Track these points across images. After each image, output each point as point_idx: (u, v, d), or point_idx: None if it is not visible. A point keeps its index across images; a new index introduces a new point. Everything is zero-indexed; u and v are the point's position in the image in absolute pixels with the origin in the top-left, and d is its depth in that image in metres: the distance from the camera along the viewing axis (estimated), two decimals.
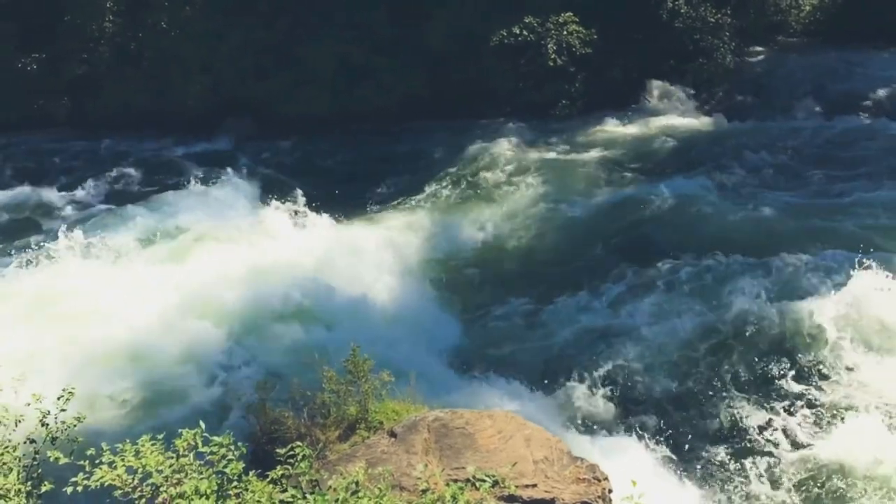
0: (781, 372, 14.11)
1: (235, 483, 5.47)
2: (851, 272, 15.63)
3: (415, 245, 19.55)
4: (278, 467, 5.83)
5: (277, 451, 6.07)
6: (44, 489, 5.70)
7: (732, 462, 12.27)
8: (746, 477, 11.96)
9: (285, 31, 28.52)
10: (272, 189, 22.79)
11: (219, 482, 5.41)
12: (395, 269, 18.26)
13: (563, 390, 13.87)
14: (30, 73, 29.02)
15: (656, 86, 29.26)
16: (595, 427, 12.97)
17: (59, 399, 6.02)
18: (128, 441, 5.66)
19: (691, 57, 29.68)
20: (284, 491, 5.59)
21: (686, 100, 28.93)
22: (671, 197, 20.90)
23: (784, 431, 12.81)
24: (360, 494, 5.58)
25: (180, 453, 5.58)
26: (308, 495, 5.48)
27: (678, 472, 11.92)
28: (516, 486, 7.29)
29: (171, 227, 19.99)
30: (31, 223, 22.36)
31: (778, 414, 13.19)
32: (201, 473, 5.47)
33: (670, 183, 21.80)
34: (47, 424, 5.83)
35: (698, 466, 12.21)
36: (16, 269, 18.06)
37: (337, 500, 5.46)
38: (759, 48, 34.00)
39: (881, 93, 28.51)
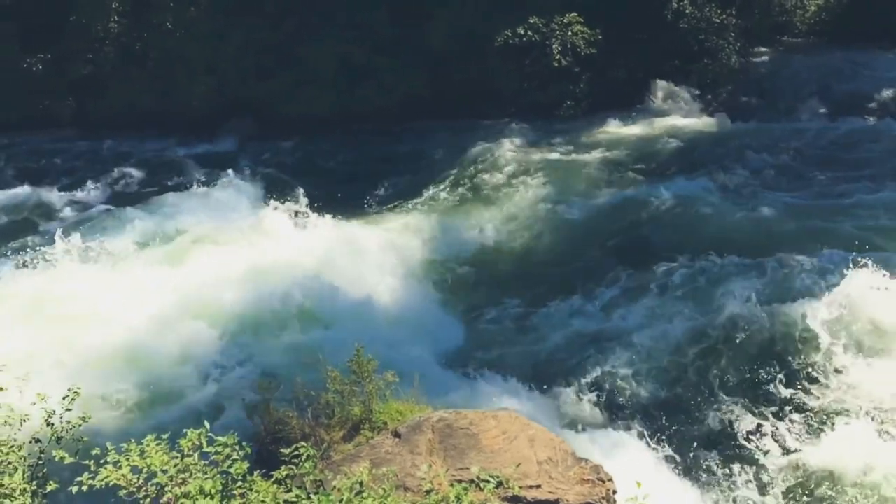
0: (771, 376, 13.94)
1: (240, 483, 5.47)
2: (847, 273, 15.53)
3: (416, 246, 19.56)
4: (283, 467, 5.83)
5: (282, 451, 6.07)
6: (49, 489, 5.71)
7: (721, 468, 12.11)
8: (735, 483, 11.82)
9: (287, 32, 28.57)
10: (274, 189, 22.80)
11: (223, 482, 5.41)
12: (397, 269, 18.26)
13: (563, 391, 13.84)
14: (35, 73, 29.09)
15: (661, 86, 29.23)
16: (594, 428, 12.89)
17: (64, 399, 6.03)
18: (133, 441, 5.67)
19: (696, 57, 29.65)
20: (289, 491, 5.59)
21: (691, 100, 28.89)
22: (672, 198, 20.87)
23: (774, 437, 12.64)
24: (365, 495, 5.57)
25: (185, 453, 5.58)
26: (312, 495, 5.48)
27: (667, 477, 11.77)
28: (520, 487, 7.29)
29: (171, 229, 19.97)
30: (30, 224, 22.31)
31: (768, 419, 13.02)
32: (206, 473, 5.48)
33: (671, 184, 21.78)
34: (52, 424, 5.85)
35: (686, 472, 12.02)
36: (14, 271, 18.09)
37: (341, 501, 5.46)
38: (764, 49, 33.95)
39: (886, 94, 28.44)
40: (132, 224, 20.44)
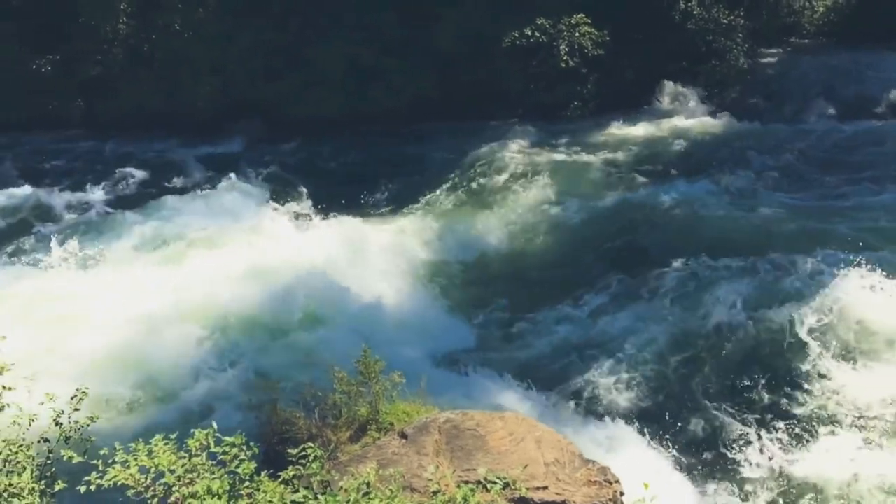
0: (755, 384, 13.67)
1: (247, 483, 5.48)
2: (840, 274, 15.45)
3: (420, 247, 19.59)
4: (290, 468, 5.84)
5: (289, 451, 6.08)
6: (57, 488, 5.73)
7: (706, 476, 11.87)
8: (718, 492, 11.60)
9: (295, 33, 28.61)
10: (281, 191, 22.86)
11: (231, 482, 5.42)
12: (401, 271, 18.32)
13: (567, 393, 13.79)
14: (44, 74, 29.23)
15: (668, 87, 29.21)
16: (597, 432, 12.77)
17: (72, 399, 6.05)
18: (140, 441, 5.68)
19: (704, 58, 29.60)
20: (296, 491, 5.60)
21: (698, 101, 28.85)
22: (673, 200, 20.84)
23: (758, 445, 12.38)
24: (372, 496, 5.57)
25: (193, 453, 5.59)
26: (319, 496, 5.48)
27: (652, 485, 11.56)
28: (527, 489, 7.28)
29: (171, 231, 19.97)
30: (28, 225, 22.27)
31: (751, 427, 12.75)
32: (213, 473, 5.48)
33: (673, 186, 21.76)
34: (61, 424, 5.86)
35: (670, 481, 11.70)
36: (11, 272, 18.11)
37: (348, 502, 5.46)
38: (772, 50, 33.87)
39: (894, 95, 28.33)
40: (134, 225, 20.49)
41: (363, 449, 9.30)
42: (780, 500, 11.45)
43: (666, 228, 19.67)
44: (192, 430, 5.71)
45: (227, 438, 5.64)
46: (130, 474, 5.43)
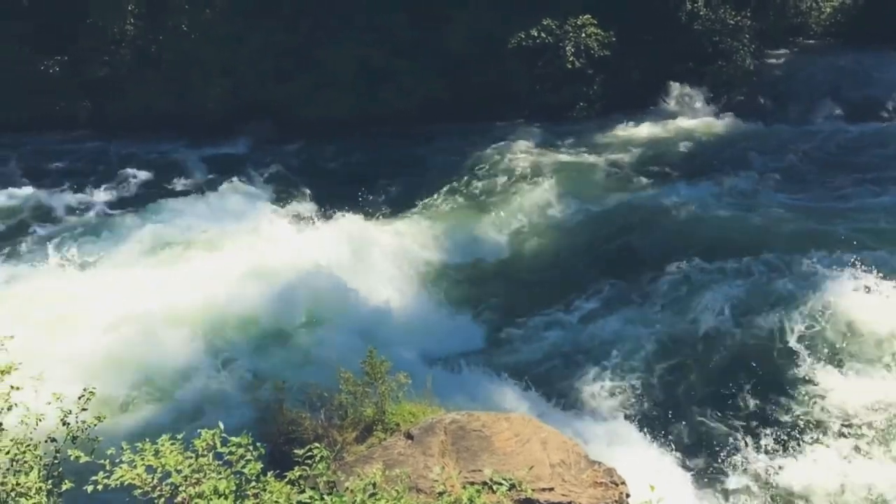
0: (744, 390, 13.40)
1: (254, 483, 5.49)
2: (835, 276, 15.34)
3: (422, 249, 19.57)
4: (296, 468, 5.85)
5: (295, 451, 6.08)
6: (64, 487, 5.74)
7: (692, 482, 11.64)
8: (704, 499, 11.41)
9: (306, 34, 28.65)
10: (286, 192, 22.85)
11: (237, 482, 5.43)
12: (402, 272, 18.32)
13: (569, 394, 13.73)
14: (51, 74, 29.32)
15: (675, 88, 29.16)
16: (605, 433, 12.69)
17: (79, 399, 6.07)
18: (147, 440, 5.70)
19: (710, 59, 29.55)
20: (302, 492, 5.60)
21: (704, 102, 28.80)
22: (672, 202, 20.76)
23: (744, 453, 12.14)
24: (378, 496, 5.58)
25: (199, 453, 5.60)
26: (325, 496, 5.48)
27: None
28: (533, 490, 7.27)
29: (173, 233, 19.96)
30: (30, 225, 22.25)
31: (738, 434, 12.54)
32: (220, 473, 5.49)
33: (675, 188, 21.72)
34: (68, 424, 5.88)
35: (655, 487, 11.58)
36: (10, 273, 18.14)
37: (354, 502, 5.47)
38: (778, 50, 33.78)
39: None
40: (131, 227, 20.48)
41: (369, 449, 9.31)
42: None
43: (666, 230, 19.58)
44: (198, 431, 5.73)
45: (234, 439, 5.65)
46: (137, 474, 5.45)
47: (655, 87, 29.19)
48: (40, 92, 29.21)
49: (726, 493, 11.55)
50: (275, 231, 19.84)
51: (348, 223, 20.26)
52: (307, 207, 22.03)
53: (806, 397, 13.10)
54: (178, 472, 5.45)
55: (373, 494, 5.58)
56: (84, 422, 5.93)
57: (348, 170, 25.91)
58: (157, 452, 5.55)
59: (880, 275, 15.18)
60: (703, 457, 12.21)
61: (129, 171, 25.69)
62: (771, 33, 32.50)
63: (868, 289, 14.98)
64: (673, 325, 15.30)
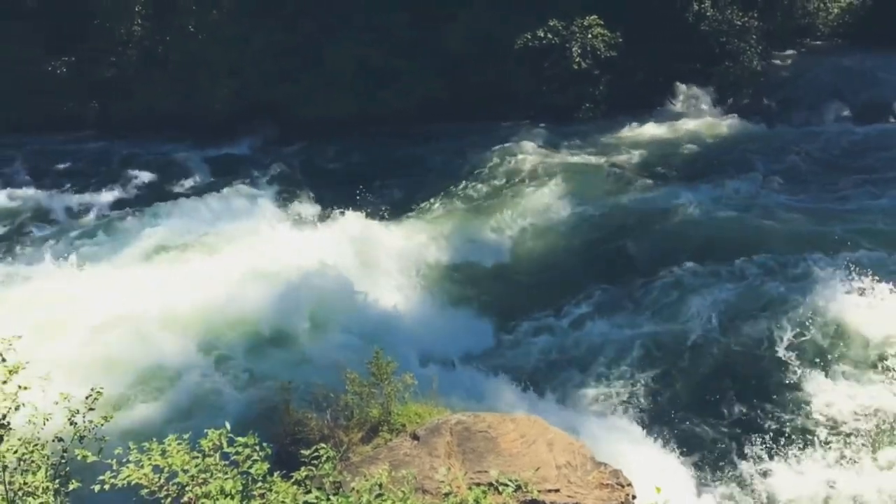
0: (729, 396, 13.19)
1: (260, 483, 5.49)
2: (827, 278, 15.25)
3: (428, 250, 19.54)
4: (302, 468, 5.85)
5: (301, 452, 6.09)
6: (71, 487, 5.76)
7: (690, 486, 11.45)
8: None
9: (305, 34, 28.72)
10: (288, 193, 22.84)
11: (244, 482, 5.43)
12: (403, 273, 18.30)
13: (571, 395, 13.70)
14: (58, 75, 29.43)
15: (681, 89, 29.14)
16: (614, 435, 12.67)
17: (87, 398, 6.08)
18: (154, 440, 5.71)
19: (717, 60, 29.52)
20: (308, 492, 5.61)
21: (710, 103, 28.77)
22: (673, 205, 20.64)
23: (731, 460, 12.00)
24: (384, 497, 5.57)
25: (206, 453, 5.61)
26: (332, 497, 5.49)
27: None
28: (539, 491, 7.26)
29: (173, 235, 19.94)
30: (30, 225, 22.30)
31: (724, 440, 12.38)
32: (226, 473, 5.50)
33: (676, 190, 21.62)
34: (76, 423, 5.90)
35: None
36: (10, 273, 18.17)
37: (360, 503, 5.47)
38: (786, 51, 33.71)
39: None
40: (131, 229, 20.48)
41: (375, 450, 9.30)
42: None
43: (666, 233, 19.52)
44: (205, 431, 5.74)
45: (240, 439, 5.66)
46: (144, 474, 5.46)
47: (662, 87, 29.18)
48: (47, 92, 29.32)
49: (722, 500, 11.46)
50: (276, 232, 19.83)
51: (349, 224, 20.24)
52: (308, 208, 22.04)
53: (795, 403, 12.93)
54: (185, 471, 5.46)
55: (379, 495, 5.58)
56: (91, 421, 5.94)
57: (348, 170, 25.92)
58: (163, 452, 5.56)
59: (874, 277, 15.05)
60: (697, 461, 12.09)
61: (132, 172, 25.74)
62: (778, 34, 32.46)
63: (861, 291, 14.85)
64: (669, 328, 15.22)
